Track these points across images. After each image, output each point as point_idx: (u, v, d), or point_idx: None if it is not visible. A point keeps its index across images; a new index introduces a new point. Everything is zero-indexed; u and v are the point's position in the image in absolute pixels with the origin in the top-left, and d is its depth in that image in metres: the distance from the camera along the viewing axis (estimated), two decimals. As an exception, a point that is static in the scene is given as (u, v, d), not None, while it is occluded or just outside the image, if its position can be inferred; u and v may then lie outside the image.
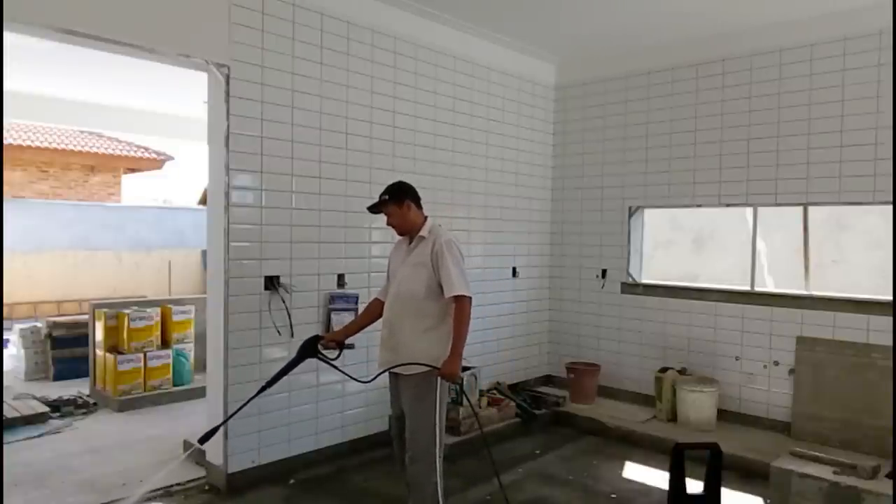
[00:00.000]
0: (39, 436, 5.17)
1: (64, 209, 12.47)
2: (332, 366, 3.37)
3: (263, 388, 3.33)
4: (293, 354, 3.46)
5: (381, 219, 4.99)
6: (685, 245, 6.29)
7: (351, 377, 3.70)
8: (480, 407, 5.24)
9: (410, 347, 3.27)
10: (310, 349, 3.36)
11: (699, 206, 5.67)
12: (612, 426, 5.37)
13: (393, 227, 3.42)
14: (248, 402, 3.43)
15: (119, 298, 8.53)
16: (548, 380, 6.57)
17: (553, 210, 6.57)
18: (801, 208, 5.23)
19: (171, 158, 16.30)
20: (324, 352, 3.39)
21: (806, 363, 5.01)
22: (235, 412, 3.58)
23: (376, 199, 3.44)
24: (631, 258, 6.09)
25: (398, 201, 3.38)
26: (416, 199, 3.44)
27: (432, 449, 3.16)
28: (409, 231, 3.40)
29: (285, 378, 4.32)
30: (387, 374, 3.40)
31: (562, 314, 6.56)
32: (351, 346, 4.66)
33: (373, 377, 3.52)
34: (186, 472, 4.40)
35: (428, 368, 3.21)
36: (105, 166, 15.65)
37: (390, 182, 5.04)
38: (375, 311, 3.55)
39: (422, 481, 3.20)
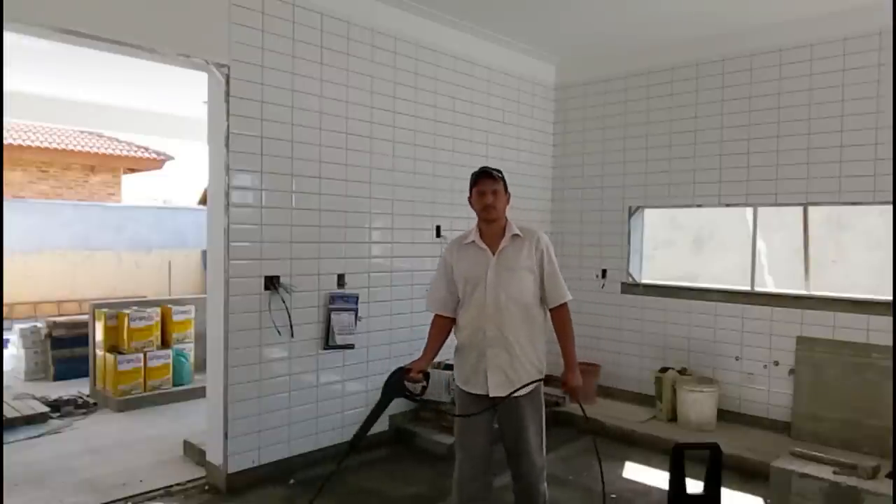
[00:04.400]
0: (39, 436, 5.17)
1: (64, 209, 12.46)
2: (420, 401, 3.05)
3: (354, 444, 2.97)
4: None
5: (382, 219, 5.09)
6: (685, 245, 6.29)
7: (452, 414, 3.23)
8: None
9: (526, 364, 3.01)
10: (396, 387, 2.96)
11: (699, 206, 5.67)
12: (612, 426, 5.37)
13: (487, 208, 2.99)
14: (340, 462, 3.01)
15: (119, 298, 8.54)
16: (548, 380, 6.55)
17: (553, 210, 6.57)
18: (801, 208, 5.23)
19: (171, 158, 16.30)
20: (410, 386, 2.99)
21: (806, 363, 5.00)
22: (333, 472, 3.08)
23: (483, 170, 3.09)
24: (631, 258, 6.09)
25: (506, 186, 3.09)
26: None
27: (542, 453, 3.07)
28: (496, 220, 3.02)
29: (285, 378, 4.39)
30: (469, 402, 3.03)
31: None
32: (351, 346, 4.68)
33: (482, 410, 3.01)
34: (186, 471, 4.41)
35: (540, 379, 3.06)
36: (105, 166, 15.64)
37: (390, 182, 5.12)
38: (446, 328, 3.16)
39: (541, 499, 3.06)
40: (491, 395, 2.98)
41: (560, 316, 3.09)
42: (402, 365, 3.02)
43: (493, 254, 3.00)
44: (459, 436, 3.11)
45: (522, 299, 2.98)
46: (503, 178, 3.07)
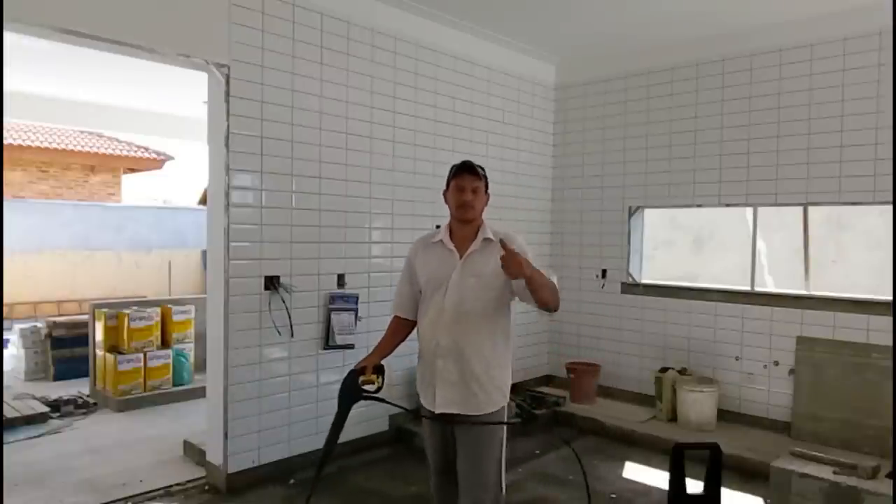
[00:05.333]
0: (39, 436, 5.17)
1: (64, 209, 12.46)
2: (381, 400, 2.75)
3: (323, 460, 2.67)
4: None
5: (382, 219, 5.09)
6: (685, 245, 6.29)
7: (405, 409, 3.13)
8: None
9: (486, 383, 2.67)
10: (353, 390, 2.72)
11: (699, 206, 5.67)
12: (612, 426, 5.37)
13: (464, 206, 2.67)
14: (315, 478, 2.64)
15: (119, 298, 8.54)
16: (548, 380, 6.57)
17: (553, 210, 6.57)
18: (801, 208, 5.23)
19: (171, 158, 16.30)
20: (366, 388, 2.73)
21: (806, 363, 5.00)
22: (314, 487, 2.68)
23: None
24: (631, 258, 6.09)
25: (487, 186, 2.78)
26: None
27: (499, 486, 2.72)
28: (471, 221, 2.71)
29: (285, 378, 4.38)
30: (426, 411, 2.77)
31: (562, 314, 6.54)
32: (351, 346, 4.68)
33: (433, 413, 2.73)
34: (186, 471, 4.41)
35: (505, 402, 2.74)
36: (105, 166, 15.65)
37: (390, 182, 5.12)
38: (403, 331, 2.91)
39: None
40: (437, 412, 2.68)
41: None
42: (352, 367, 2.77)
43: (461, 257, 2.69)
44: (426, 446, 2.92)
45: (487, 309, 2.67)
46: (486, 177, 2.77)
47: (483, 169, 2.77)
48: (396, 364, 4.49)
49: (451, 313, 2.64)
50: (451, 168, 2.77)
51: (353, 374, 2.73)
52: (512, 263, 2.43)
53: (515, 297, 2.74)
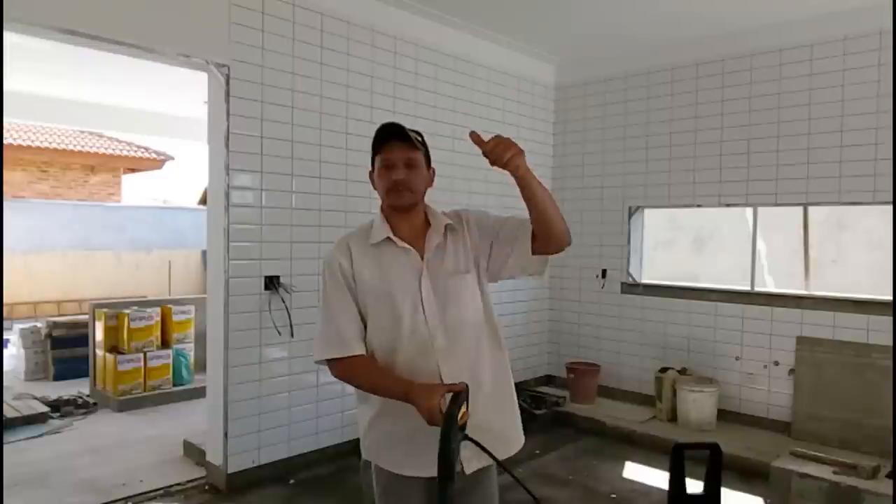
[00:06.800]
0: (39, 436, 5.17)
1: (64, 209, 12.47)
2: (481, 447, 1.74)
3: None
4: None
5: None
6: (685, 245, 6.29)
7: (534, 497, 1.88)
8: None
9: (511, 404, 2.07)
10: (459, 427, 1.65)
11: (699, 206, 5.67)
12: (612, 426, 5.37)
13: (396, 188, 1.90)
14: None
15: (119, 298, 8.53)
16: (548, 380, 6.57)
17: (553, 210, 6.55)
18: (801, 208, 5.23)
19: (171, 158, 16.30)
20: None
21: (806, 363, 5.00)
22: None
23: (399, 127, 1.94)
24: (631, 258, 6.09)
25: (427, 157, 1.99)
26: None
27: None
28: (411, 207, 1.95)
29: (285, 378, 4.38)
30: (399, 494, 1.93)
31: (562, 314, 6.56)
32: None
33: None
34: (186, 471, 4.41)
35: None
36: (105, 166, 15.65)
37: (390, 182, 5.09)
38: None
39: None
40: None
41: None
42: (454, 398, 1.67)
43: (422, 257, 1.93)
44: None
45: (478, 317, 1.96)
46: (425, 145, 1.98)
47: (420, 135, 1.97)
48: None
49: (442, 335, 1.89)
50: (374, 136, 1.94)
51: (456, 400, 1.67)
52: (500, 145, 1.72)
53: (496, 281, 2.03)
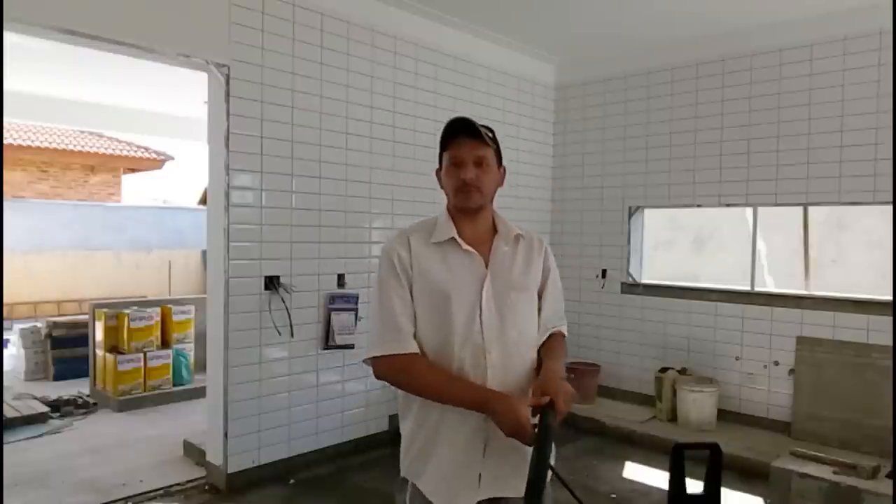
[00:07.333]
0: (39, 436, 5.17)
1: (64, 209, 12.47)
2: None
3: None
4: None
5: (382, 218, 5.09)
6: (685, 245, 6.29)
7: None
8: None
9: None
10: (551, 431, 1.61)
11: (699, 206, 5.67)
12: (612, 426, 5.37)
13: (466, 189, 1.80)
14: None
15: (119, 298, 8.53)
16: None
17: (553, 210, 6.57)
18: (801, 208, 5.23)
19: (171, 158, 16.30)
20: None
21: (806, 363, 5.01)
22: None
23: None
24: (631, 258, 6.09)
25: (499, 155, 1.88)
26: None
27: None
28: (480, 209, 1.85)
29: (285, 378, 4.39)
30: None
31: (562, 314, 6.55)
32: (351, 346, 4.68)
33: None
34: (186, 471, 4.41)
35: None
36: (105, 166, 15.65)
37: (390, 182, 5.12)
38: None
39: None
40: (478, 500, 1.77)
41: (557, 340, 1.95)
42: (545, 411, 1.64)
43: (486, 263, 1.83)
44: None
45: (531, 336, 1.87)
46: (496, 141, 1.87)
47: (492, 131, 1.86)
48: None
49: (498, 352, 1.77)
50: (443, 130, 1.84)
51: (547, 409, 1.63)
52: (568, 403, 1.65)
53: None
